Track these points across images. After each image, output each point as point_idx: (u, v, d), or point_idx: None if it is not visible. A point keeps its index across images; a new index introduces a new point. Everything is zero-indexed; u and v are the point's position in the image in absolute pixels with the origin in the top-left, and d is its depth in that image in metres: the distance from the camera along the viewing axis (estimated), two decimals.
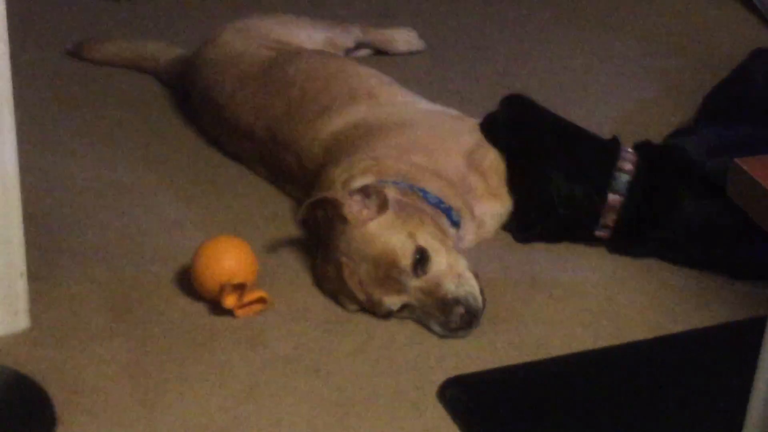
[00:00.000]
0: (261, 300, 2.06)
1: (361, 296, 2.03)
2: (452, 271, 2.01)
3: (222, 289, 2.02)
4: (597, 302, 2.12)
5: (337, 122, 2.32)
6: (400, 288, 2.00)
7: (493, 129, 2.31)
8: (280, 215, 2.36)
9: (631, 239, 2.23)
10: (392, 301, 2.01)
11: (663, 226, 2.20)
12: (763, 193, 1.13)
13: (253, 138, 2.44)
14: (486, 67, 3.02)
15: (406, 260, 1.99)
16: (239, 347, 1.99)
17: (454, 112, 2.43)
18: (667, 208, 2.20)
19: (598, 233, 2.24)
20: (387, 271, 2.00)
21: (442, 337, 2.01)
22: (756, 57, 2.64)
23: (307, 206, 2.07)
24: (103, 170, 2.53)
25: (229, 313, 2.04)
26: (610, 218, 2.22)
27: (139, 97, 2.83)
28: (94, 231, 2.30)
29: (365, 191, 2.06)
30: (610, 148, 2.26)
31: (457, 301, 1.98)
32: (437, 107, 2.44)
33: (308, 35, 2.72)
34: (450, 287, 1.99)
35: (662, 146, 2.31)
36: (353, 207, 2.04)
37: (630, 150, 2.26)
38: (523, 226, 2.28)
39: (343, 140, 2.29)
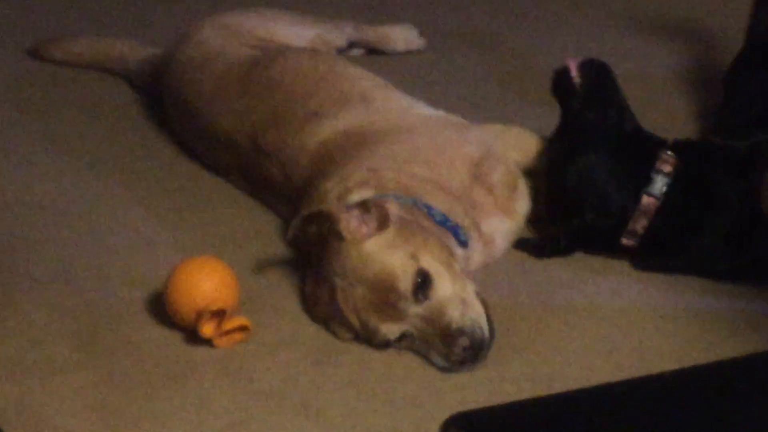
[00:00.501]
0: (243, 328, 2.06)
1: (356, 323, 2.03)
2: (457, 297, 2.01)
3: (199, 316, 2.02)
4: (618, 329, 2.13)
5: (327, 129, 2.33)
6: (398, 315, 2.00)
7: (566, 96, 2.33)
8: (265, 233, 2.36)
9: (662, 249, 2.24)
10: (390, 330, 2.01)
11: (703, 232, 2.22)
12: None
13: (233, 147, 2.45)
14: (493, 67, 3.03)
15: (406, 284, 1.99)
16: (219, 381, 1.98)
17: (457, 118, 2.44)
18: (708, 212, 2.22)
19: (625, 241, 2.25)
20: (385, 296, 2.00)
21: (443, 370, 2.01)
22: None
23: (299, 222, 2.07)
24: (67, 183, 2.53)
25: (207, 342, 2.04)
26: (640, 224, 2.23)
27: (107, 101, 2.83)
28: (57, 251, 2.31)
29: (364, 206, 2.06)
30: (652, 147, 2.29)
31: (461, 332, 1.98)
32: (438, 113, 2.45)
33: (296, 33, 2.73)
34: (454, 315, 1.99)
35: (702, 144, 2.35)
36: (351, 223, 2.04)
37: (669, 153, 2.28)
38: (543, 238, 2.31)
39: (334, 149, 2.29)
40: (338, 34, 2.86)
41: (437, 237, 2.10)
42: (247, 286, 2.15)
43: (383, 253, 2.02)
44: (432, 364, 2.02)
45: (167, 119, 2.68)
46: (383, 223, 2.05)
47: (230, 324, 2.04)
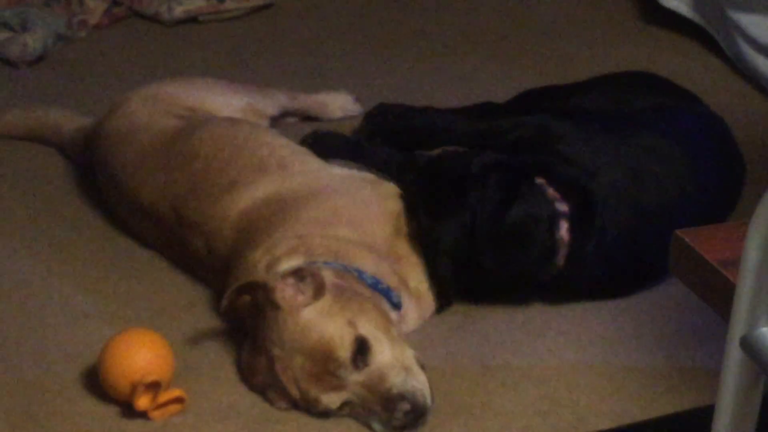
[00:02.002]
0: (178, 400, 2.08)
1: (295, 393, 2.06)
2: (397, 362, 2.05)
3: (134, 388, 2.04)
4: (555, 389, 2.17)
5: (246, 197, 2.34)
6: (338, 384, 2.03)
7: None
8: (199, 303, 2.38)
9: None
10: (331, 399, 2.04)
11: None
12: (706, 266, 1.21)
13: (157, 219, 2.46)
14: None
15: (345, 352, 2.02)
16: None
17: (370, 175, 2.49)
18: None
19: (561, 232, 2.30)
20: (324, 365, 2.03)
21: None
22: None
23: (233, 292, 2.09)
24: None
25: (142, 415, 2.06)
26: (563, 228, 2.30)
27: (39, 172, 2.83)
28: None
29: (299, 274, 2.09)
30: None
31: (402, 397, 2.01)
32: (353, 172, 2.49)
33: (226, 102, 2.72)
34: (395, 381, 2.02)
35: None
36: (286, 292, 2.07)
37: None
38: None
39: (256, 218, 2.31)
40: (270, 103, 2.83)
41: (372, 302, 2.14)
42: (183, 357, 2.18)
43: (321, 322, 2.05)
44: (372, 431, 2.05)
45: (99, 191, 2.68)
46: (319, 290, 2.08)
47: (165, 396, 2.06)
